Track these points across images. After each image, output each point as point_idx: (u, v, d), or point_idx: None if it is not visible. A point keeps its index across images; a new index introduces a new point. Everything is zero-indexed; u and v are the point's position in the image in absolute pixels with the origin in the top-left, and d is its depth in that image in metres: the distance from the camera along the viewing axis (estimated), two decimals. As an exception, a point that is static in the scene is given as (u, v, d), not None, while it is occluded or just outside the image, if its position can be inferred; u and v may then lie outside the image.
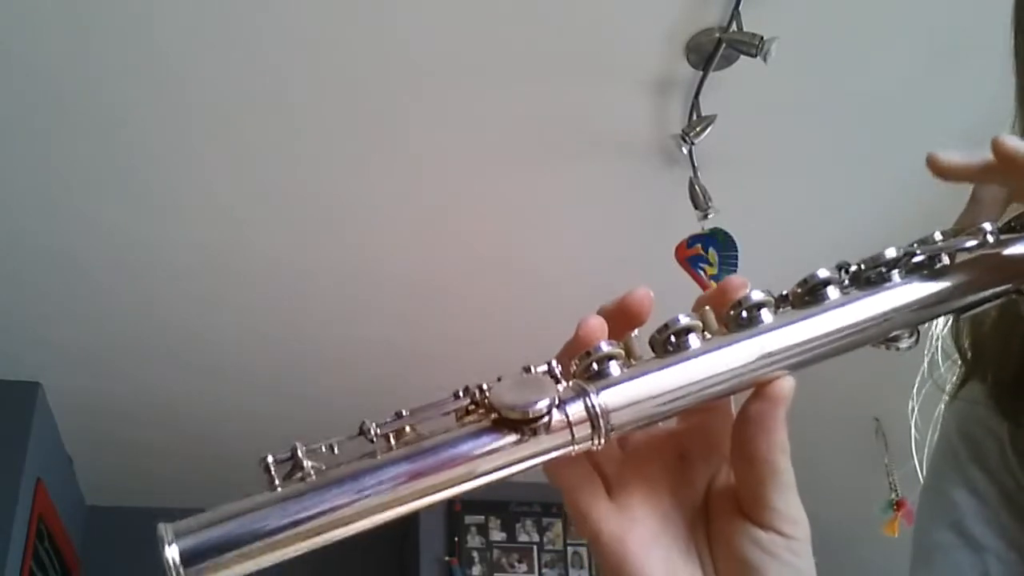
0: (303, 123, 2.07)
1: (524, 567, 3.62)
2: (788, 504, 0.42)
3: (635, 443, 0.45)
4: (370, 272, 2.56)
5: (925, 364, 0.69)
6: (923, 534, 0.63)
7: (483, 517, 3.66)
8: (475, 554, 3.61)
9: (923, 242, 0.46)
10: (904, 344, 0.46)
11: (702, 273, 2.08)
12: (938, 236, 0.47)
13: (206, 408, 3.14)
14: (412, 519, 3.69)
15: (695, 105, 2.03)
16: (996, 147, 0.47)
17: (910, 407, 0.74)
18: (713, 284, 2.16)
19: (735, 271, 2.07)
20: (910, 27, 1.94)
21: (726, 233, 2.10)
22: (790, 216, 2.42)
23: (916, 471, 0.71)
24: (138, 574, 3.85)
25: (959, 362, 0.67)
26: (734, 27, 1.84)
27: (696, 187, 2.10)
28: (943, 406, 0.68)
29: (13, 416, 2.85)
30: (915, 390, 0.72)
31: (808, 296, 0.44)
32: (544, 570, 3.62)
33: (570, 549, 3.67)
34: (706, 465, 0.45)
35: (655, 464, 0.45)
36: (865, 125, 2.16)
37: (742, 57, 1.88)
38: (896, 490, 2.96)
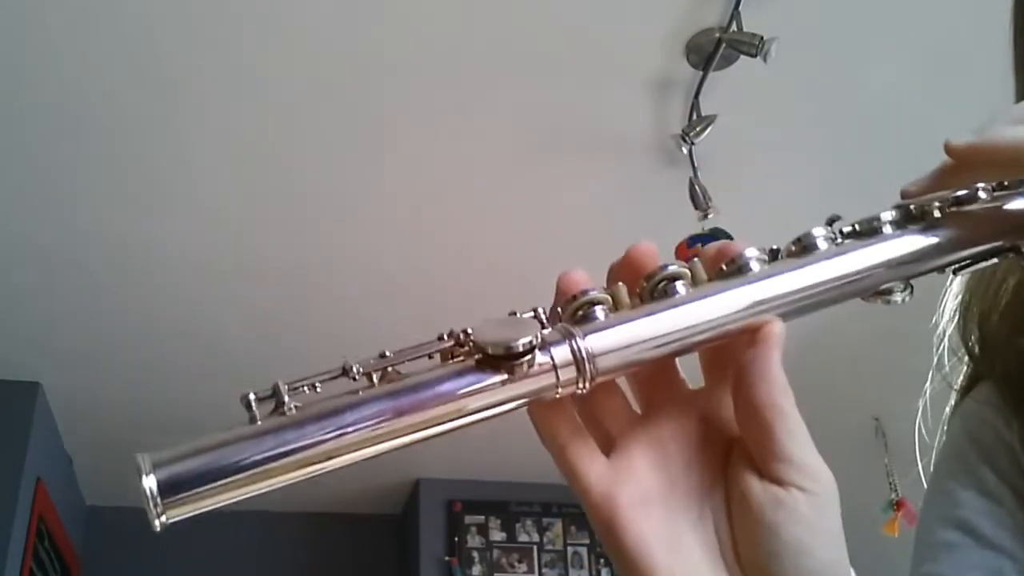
0: (303, 123, 2.07)
1: (524, 567, 3.62)
2: (803, 451, 0.39)
3: (653, 402, 0.44)
4: (370, 272, 2.56)
5: (934, 361, 0.69)
6: (928, 534, 0.62)
7: (483, 517, 3.66)
8: (475, 554, 3.61)
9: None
10: (897, 297, 0.45)
11: (702, 273, 2.08)
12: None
13: (206, 408, 3.14)
14: (412, 518, 3.70)
15: (695, 105, 2.03)
16: (948, 150, 0.46)
17: (918, 406, 0.74)
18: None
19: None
20: (910, 27, 1.94)
21: (726, 233, 2.10)
22: (790, 216, 2.41)
23: (920, 476, 0.70)
24: (138, 574, 3.87)
25: (966, 360, 0.66)
26: (734, 27, 1.84)
27: (696, 187, 2.10)
28: (950, 408, 0.67)
29: (13, 416, 2.85)
30: (927, 386, 0.72)
31: (799, 249, 0.44)
32: (544, 570, 3.62)
33: (570, 549, 3.66)
34: (729, 426, 0.43)
35: (670, 424, 0.43)
36: (865, 125, 2.17)
37: (742, 57, 1.88)
38: (896, 490, 2.96)
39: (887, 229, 0.45)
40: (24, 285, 2.50)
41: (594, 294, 0.41)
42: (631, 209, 2.36)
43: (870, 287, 0.44)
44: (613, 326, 0.40)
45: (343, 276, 2.57)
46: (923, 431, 0.73)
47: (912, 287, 0.45)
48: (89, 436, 3.23)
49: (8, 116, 1.98)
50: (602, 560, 3.61)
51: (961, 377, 0.67)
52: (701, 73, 1.96)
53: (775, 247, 0.44)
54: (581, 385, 0.38)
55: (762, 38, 1.81)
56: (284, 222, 2.36)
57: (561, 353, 0.38)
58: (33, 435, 2.86)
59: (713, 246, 0.43)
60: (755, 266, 0.42)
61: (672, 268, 0.41)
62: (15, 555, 2.73)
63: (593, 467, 0.41)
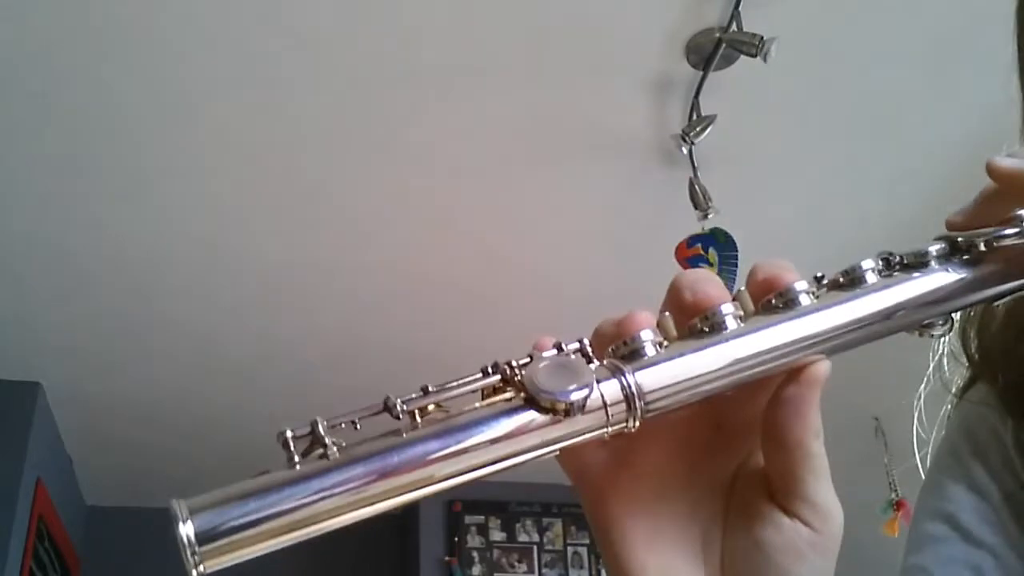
0: (304, 123, 2.07)
1: (524, 567, 3.62)
2: (821, 493, 0.40)
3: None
4: (370, 272, 2.56)
5: (931, 364, 0.69)
6: (918, 526, 0.62)
7: (483, 517, 3.66)
8: (475, 554, 3.61)
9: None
10: (938, 331, 0.45)
11: (702, 273, 2.08)
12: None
13: (206, 408, 3.14)
14: (412, 518, 3.69)
15: (695, 105, 2.03)
16: (991, 171, 0.45)
17: (914, 405, 0.74)
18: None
19: (735, 271, 2.07)
20: (910, 27, 1.94)
21: (726, 233, 2.10)
22: (790, 216, 2.42)
23: (918, 469, 0.71)
24: (138, 574, 3.86)
25: (966, 363, 0.66)
26: (734, 27, 1.84)
27: (696, 187, 2.10)
28: (949, 407, 0.67)
29: (13, 416, 2.85)
30: (922, 388, 0.72)
31: (847, 281, 0.43)
32: (544, 570, 3.62)
33: (570, 549, 3.67)
34: (742, 440, 0.43)
35: (682, 429, 0.43)
36: (865, 125, 2.17)
37: (742, 57, 1.88)
38: (896, 490, 2.96)
39: (933, 263, 0.44)
40: (24, 285, 2.50)
41: (645, 330, 0.40)
42: (631, 209, 2.36)
43: (915, 322, 0.44)
44: (664, 362, 0.39)
45: (342, 276, 2.57)
46: (920, 431, 0.73)
47: (953, 321, 0.45)
48: (89, 436, 3.23)
49: (7, 116, 1.98)
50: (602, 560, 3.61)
51: (960, 380, 0.67)
52: (701, 73, 1.96)
53: (820, 275, 0.44)
54: (631, 423, 0.38)
55: (762, 38, 1.81)
56: (284, 222, 2.36)
57: (611, 391, 0.37)
58: (33, 435, 2.86)
59: (760, 273, 0.42)
60: (804, 299, 0.42)
61: (723, 304, 0.41)
62: (15, 555, 2.74)
63: (589, 459, 0.41)
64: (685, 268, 2.20)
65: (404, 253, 2.49)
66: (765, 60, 1.82)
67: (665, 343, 0.40)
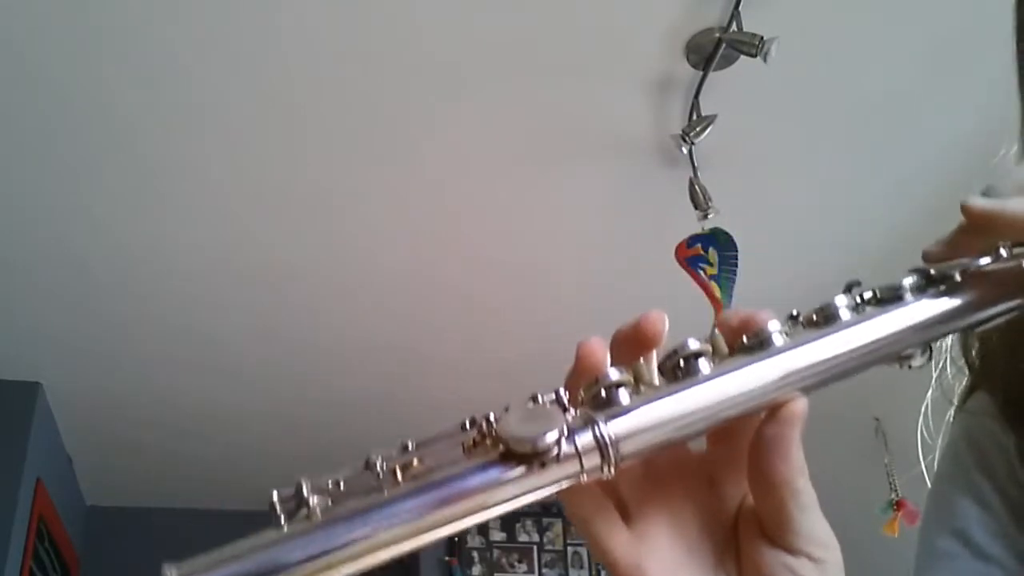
0: (304, 123, 2.07)
1: (524, 567, 3.62)
2: (813, 525, 0.41)
3: (660, 467, 0.45)
4: (370, 272, 2.56)
5: (934, 373, 0.69)
6: (928, 540, 0.63)
7: (483, 517, 3.65)
8: (475, 554, 3.61)
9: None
10: (916, 362, 0.45)
11: (702, 273, 2.08)
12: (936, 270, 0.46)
13: (206, 408, 3.14)
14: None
15: (695, 105, 2.03)
16: (966, 212, 0.46)
17: (920, 411, 0.74)
18: (713, 284, 2.15)
19: (735, 271, 2.07)
20: (910, 27, 1.94)
21: (726, 233, 2.10)
22: (790, 216, 2.42)
23: (922, 476, 0.70)
24: (138, 574, 3.86)
25: (966, 372, 0.66)
26: (734, 27, 1.84)
27: (696, 187, 2.10)
28: (951, 414, 0.67)
29: (13, 416, 2.85)
30: (928, 394, 0.72)
31: (821, 319, 0.43)
32: (544, 570, 3.63)
33: (570, 549, 3.67)
34: (735, 489, 0.44)
35: (680, 488, 0.44)
36: (865, 125, 2.17)
37: (742, 57, 1.88)
38: (896, 490, 2.96)
39: (908, 295, 0.45)
40: (24, 285, 2.50)
41: (615, 375, 0.40)
42: (631, 209, 2.36)
43: (892, 354, 0.44)
44: (636, 409, 0.39)
45: (343, 276, 2.57)
46: (926, 435, 0.73)
47: (932, 350, 0.45)
48: (89, 436, 3.23)
49: (8, 117, 1.98)
50: (602, 560, 3.61)
51: (961, 387, 0.67)
52: (701, 73, 1.96)
53: (795, 312, 0.44)
54: (606, 471, 0.38)
55: (762, 38, 1.81)
56: (284, 222, 2.36)
57: (585, 440, 0.38)
58: (33, 435, 2.86)
59: (735, 318, 0.43)
60: (778, 339, 0.42)
61: (694, 345, 0.41)
62: (15, 555, 2.73)
63: (618, 539, 0.42)
64: (685, 268, 2.20)
65: (404, 253, 2.49)
66: (765, 60, 1.82)
67: (642, 387, 0.41)
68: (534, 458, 0.37)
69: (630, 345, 0.42)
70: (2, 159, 2.09)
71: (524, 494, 0.38)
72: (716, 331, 0.43)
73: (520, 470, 0.38)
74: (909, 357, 0.45)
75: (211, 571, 0.35)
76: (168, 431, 3.25)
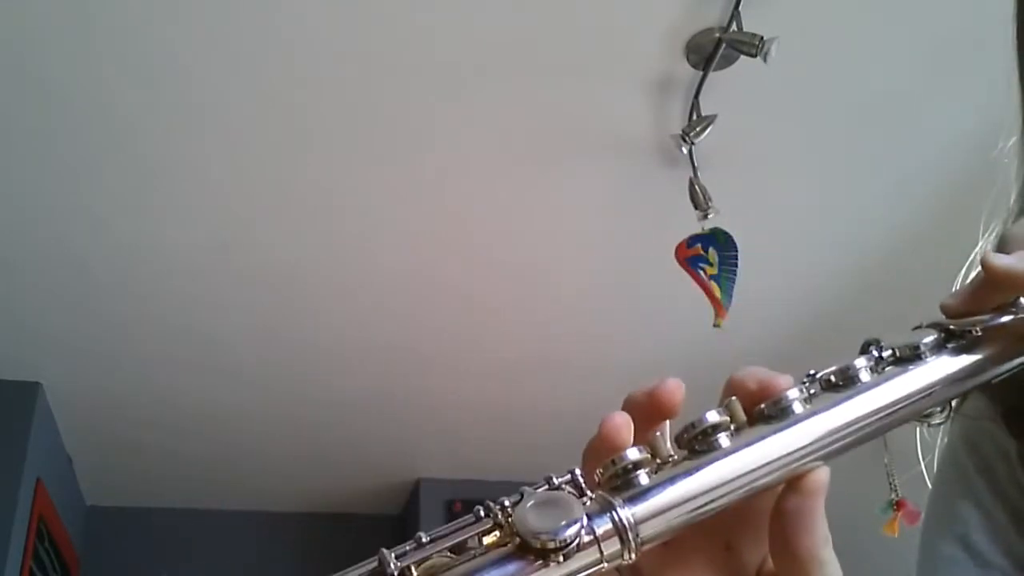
0: (304, 123, 2.07)
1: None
2: None
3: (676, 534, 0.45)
4: (370, 272, 2.56)
5: None
6: (930, 544, 0.62)
7: (483, 517, 3.65)
8: (475, 554, 3.60)
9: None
10: (936, 420, 0.45)
11: (702, 273, 2.08)
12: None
13: (206, 408, 3.14)
14: (412, 518, 3.69)
15: (695, 105, 2.03)
16: (986, 269, 0.45)
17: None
18: (713, 284, 2.15)
19: (735, 271, 2.07)
20: (910, 27, 1.94)
21: (726, 233, 2.10)
22: (790, 216, 2.42)
23: (922, 476, 0.70)
24: (138, 574, 3.86)
25: None
26: (734, 27, 1.84)
27: (696, 187, 2.10)
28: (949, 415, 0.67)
29: (13, 416, 2.85)
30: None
31: (841, 380, 0.43)
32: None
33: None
34: (754, 553, 0.43)
35: (699, 556, 0.43)
36: (865, 125, 2.17)
37: (742, 57, 1.88)
38: (896, 490, 2.94)
39: (927, 354, 0.44)
40: (24, 285, 2.50)
41: (634, 455, 0.39)
42: (631, 209, 2.36)
43: (914, 414, 0.43)
44: (656, 490, 0.38)
45: (343, 276, 2.57)
46: (925, 435, 0.73)
47: (951, 407, 0.46)
48: (89, 436, 3.23)
49: (8, 117, 1.98)
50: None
51: None
52: (701, 73, 1.96)
53: (813, 372, 0.43)
54: (627, 556, 0.37)
55: (762, 38, 1.81)
56: (284, 222, 2.36)
57: (603, 527, 0.37)
58: (33, 435, 2.86)
59: (752, 381, 0.42)
60: (798, 407, 0.41)
61: (713, 418, 0.40)
62: (15, 555, 2.73)
63: None
64: (685, 268, 2.19)
65: (404, 253, 2.49)
66: (765, 60, 1.82)
67: (659, 461, 0.39)
68: (553, 552, 0.36)
69: (644, 414, 0.41)
70: (2, 159, 2.09)
71: None
72: (733, 399, 0.41)
73: (539, 563, 0.36)
74: (929, 416, 0.44)
75: None
76: (168, 431, 3.25)
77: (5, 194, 2.19)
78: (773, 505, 0.41)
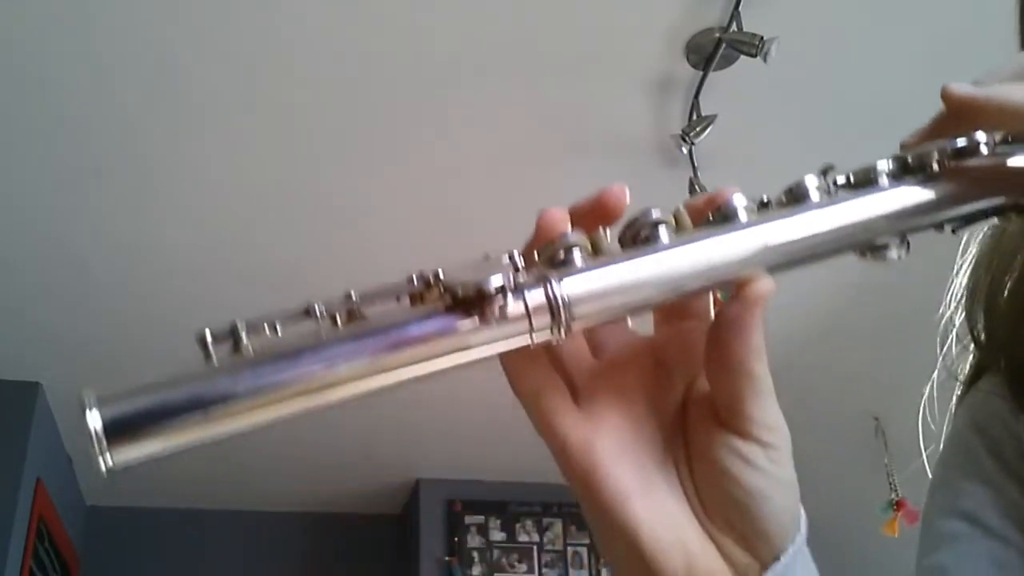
0: (304, 123, 2.07)
1: (524, 567, 3.62)
2: (765, 411, 0.40)
3: (610, 351, 0.43)
4: (370, 272, 2.56)
5: (939, 352, 0.68)
6: (932, 525, 0.61)
7: (483, 517, 3.66)
8: (475, 554, 3.61)
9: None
10: (893, 253, 0.43)
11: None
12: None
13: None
14: (412, 518, 3.70)
15: (695, 105, 2.03)
16: (945, 97, 0.44)
17: (920, 406, 0.73)
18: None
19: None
20: (910, 27, 1.94)
21: (726, 233, 2.10)
22: (790, 216, 2.42)
23: (921, 470, 0.70)
24: (138, 574, 3.86)
25: (972, 349, 0.65)
26: (734, 27, 1.85)
27: (696, 187, 2.10)
28: (955, 401, 0.66)
29: (13, 416, 2.85)
30: (926, 389, 0.71)
31: (791, 200, 0.42)
32: (544, 570, 3.62)
33: (570, 549, 3.66)
34: (684, 372, 0.43)
35: (630, 372, 0.42)
36: (865, 125, 2.16)
37: (742, 57, 1.88)
38: (896, 490, 2.96)
39: (883, 180, 0.43)
40: (25, 285, 2.50)
41: (573, 237, 0.38)
42: (631, 209, 2.35)
43: (864, 241, 0.42)
44: (592, 270, 0.37)
45: (343, 276, 2.57)
46: (929, 420, 0.72)
47: (908, 244, 0.43)
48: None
49: (8, 117, 1.98)
50: (602, 560, 3.61)
51: (967, 367, 0.66)
52: (701, 73, 1.97)
53: (765, 197, 0.42)
54: (556, 333, 0.36)
55: (762, 38, 1.81)
56: (284, 222, 2.36)
57: (535, 298, 0.36)
58: (33, 435, 2.86)
59: (701, 196, 0.41)
60: (743, 215, 0.40)
61: (656, 214, 0.39)
62: (15, 555, 2.74)
63: (567, 418, 0.40)
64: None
65: (404, 253, 2.49)
66: (765, 60, 1.82)
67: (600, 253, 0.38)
68: (480, 307, 0.35)
69: (590, 217, 0.41)
70: (2, 159, 2.09)
71: (469, 348, 0.35)
72: (681, 207, 0.41)
73: (466, 322, 0.35)
74: (884, 247, 0.43)
75: (133, 398, 0.34)
76: (168, 431, 3.24)
77: (5, 194, 2.19)
78: (714, 317, 0.40)
